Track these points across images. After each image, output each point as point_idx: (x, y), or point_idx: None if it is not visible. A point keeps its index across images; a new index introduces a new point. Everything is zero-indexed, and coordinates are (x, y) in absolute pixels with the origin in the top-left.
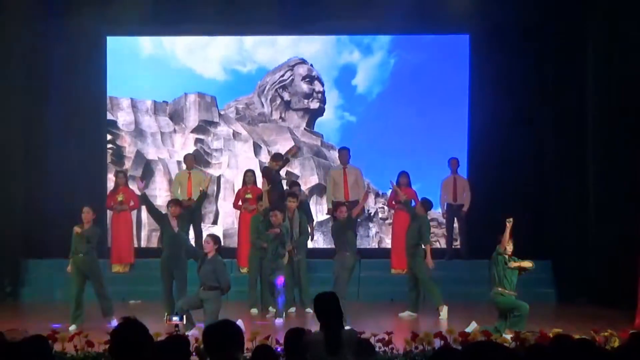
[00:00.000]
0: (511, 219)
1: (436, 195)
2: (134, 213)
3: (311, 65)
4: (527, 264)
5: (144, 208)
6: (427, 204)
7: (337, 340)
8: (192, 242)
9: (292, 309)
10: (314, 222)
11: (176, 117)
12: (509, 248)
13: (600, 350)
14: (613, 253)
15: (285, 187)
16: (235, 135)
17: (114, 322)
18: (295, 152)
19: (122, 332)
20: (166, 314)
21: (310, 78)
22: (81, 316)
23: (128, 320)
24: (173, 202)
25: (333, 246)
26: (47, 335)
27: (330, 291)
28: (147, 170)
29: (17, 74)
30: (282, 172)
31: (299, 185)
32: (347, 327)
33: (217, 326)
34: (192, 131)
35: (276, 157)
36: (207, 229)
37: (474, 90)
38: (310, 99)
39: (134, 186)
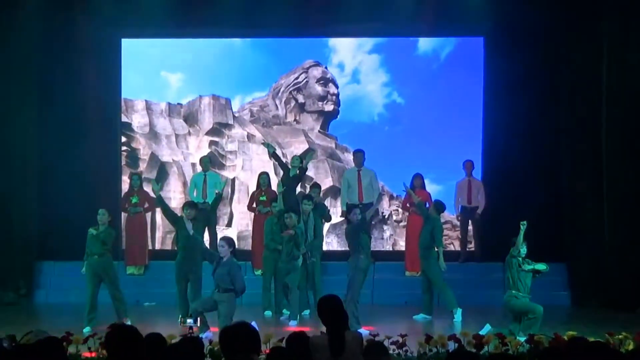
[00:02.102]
0: (525, 222)
1: (451, 198)
2: (149, 215)
3: (325, 67)
4: (541, 266)
5: (158, 210)
6: (440, 206)
7: (340, 343)
8: (207, 244)
9: (307, 312)
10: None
11: (191, 119)
12: (523, 251)
13: (615, 353)
14: (628, 256)
15: (299, 189)
16: (250, 137)
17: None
18: (308, 153)
19: (113, 340)
20: (180, 316)
21: (324, 80)
22: (95, 318)
23: (115, 326)
24: (188, 204)
25: (347, 249)
26: (61, 337)
27: (333, 294)
28: (162, 172)
29: (31, 76)
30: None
31: (319, 187)
32: (360, 330)
33: (234, 328)
34: (207, 133)
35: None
36: (221, 231)
37: (489, 92)
38: (325, 102)
39: (148, 188)
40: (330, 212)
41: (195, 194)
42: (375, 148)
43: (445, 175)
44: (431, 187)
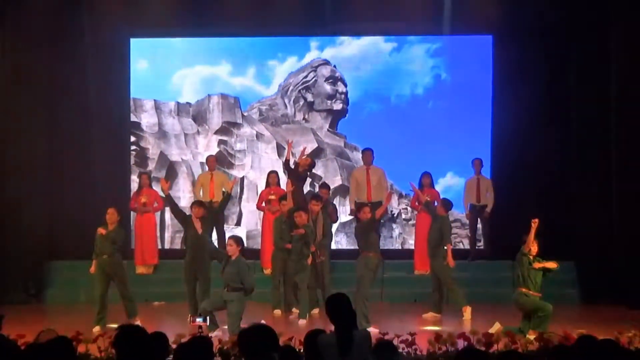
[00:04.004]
0: (537, 220)
1: (460, 196)
2: (158, 214)
3: (334, 66)
4: (551, 264)
5: (167, 209)
6: (447, 204)
7: (349, 342)
8: (215, 243)
9: (316, 310)
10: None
11: (199, 118)
12: (534, 249)
13: (624, 351)
14: (637, 254)
15: (308, 188)
16: (259, 136)
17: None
18: (303, 154)
19: (122, 341)
20: (190, 315)
21: (333, 79)
22: (105, 318)
23: (123, 327)
24: (196, 203)
25: (356, 247)
26: (71, 336)
27: (342, 292)
28: (171, 171)
29: (40, 75)
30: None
31: (328, 187)
32: (369, 328)
33: (250, 330)
34: (216, 132)
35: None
36: (230, 230)
37: (497, 90)
38: (334, 100)
39: (157, 187)
40: (339, 211)
41: (201, 193)
42: (384, 142)
43: (467, 169)
44: (454, 181)
